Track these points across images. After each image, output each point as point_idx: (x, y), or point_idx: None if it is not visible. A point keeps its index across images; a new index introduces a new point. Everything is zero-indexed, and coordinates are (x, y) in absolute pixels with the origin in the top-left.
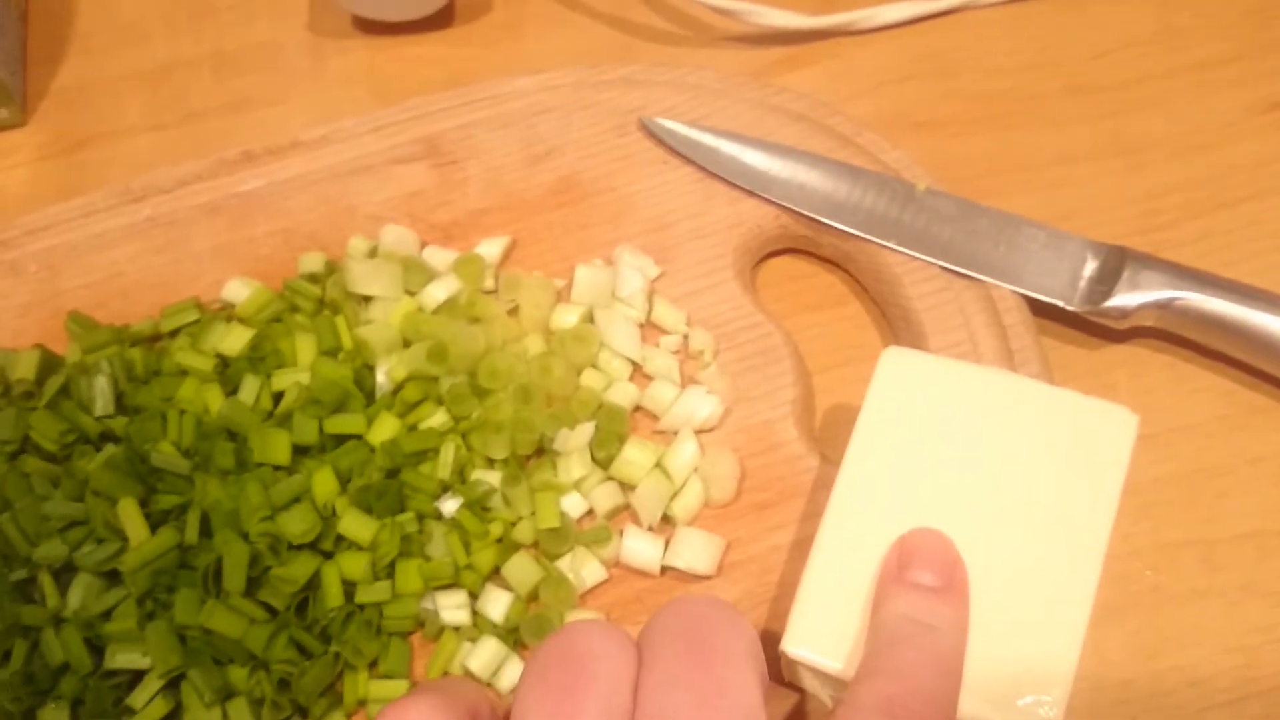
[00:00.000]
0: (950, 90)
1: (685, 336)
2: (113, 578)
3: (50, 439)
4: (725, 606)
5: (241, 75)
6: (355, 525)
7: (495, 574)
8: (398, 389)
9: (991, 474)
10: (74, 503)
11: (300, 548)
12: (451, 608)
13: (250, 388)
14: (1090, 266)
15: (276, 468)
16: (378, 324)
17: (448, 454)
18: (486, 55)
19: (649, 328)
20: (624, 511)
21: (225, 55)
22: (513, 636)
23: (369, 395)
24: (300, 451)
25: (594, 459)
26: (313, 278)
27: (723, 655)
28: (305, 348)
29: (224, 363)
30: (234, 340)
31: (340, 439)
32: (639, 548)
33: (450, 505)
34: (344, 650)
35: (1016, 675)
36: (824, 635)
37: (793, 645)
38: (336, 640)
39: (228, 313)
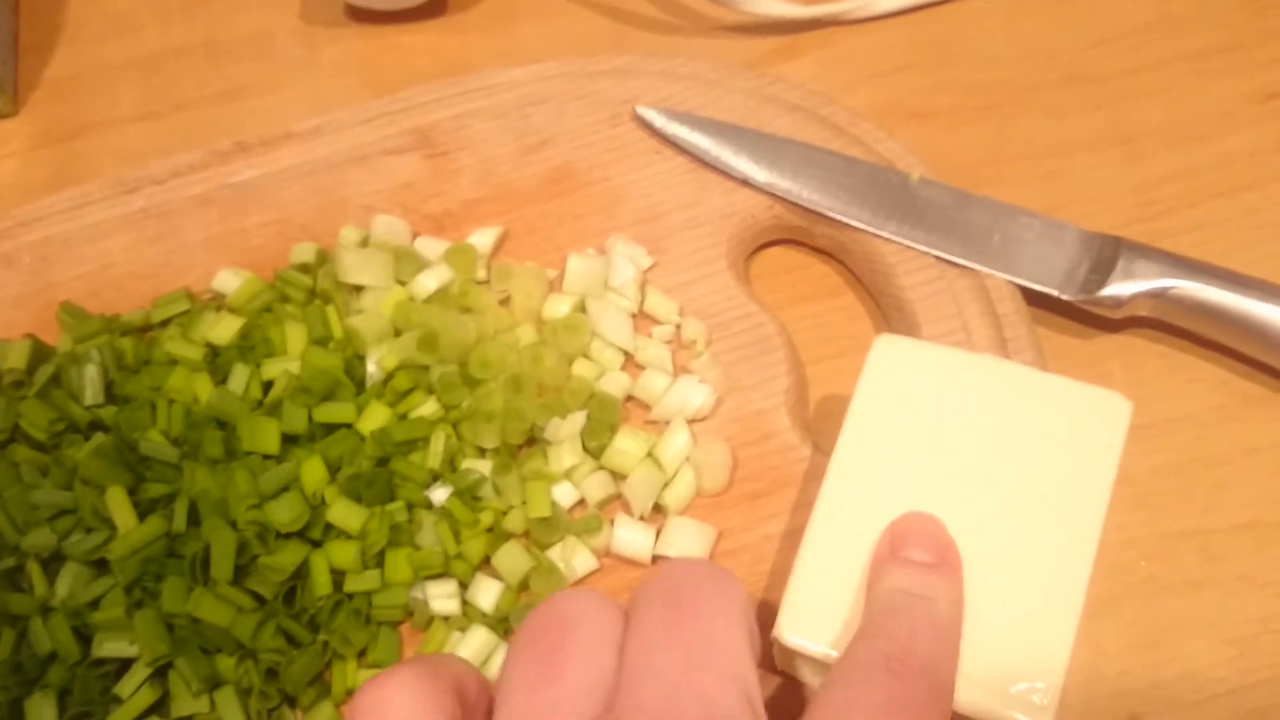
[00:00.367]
0: (945, 80)
1: (678, 326)
2: (101, 566)
3: (40, 428)
4: (712, 567)
5: (234, 64)
6: (344, 514)
7: (485, 563)
8: (388, 378)
9: (984, 461)
10: (63, 491)
11: (289, 536)
12: (441, 597)
13: (240, 377)
14: (1085, 255)
15: (265, 456)
16: (368, 313)
17: (438, 443)
18: (479, 44)
19: (641, 318)
20: (615, 501)
21: (217, 44)
22: (503, 626)
23: (359, 384)
24: (290, 440)
25: (585, 448)
26: (304, 268)
27: (707, 614)
28: (295, 337)
29: (214, 352)
30: (224, 329)
31: (330, 428)
32: (630, 537)
33: (440, 494)
34: (332, 639)
35: (1010, 662)
36: (817, 621)
37: (785, 632)
38: (325, 629)
39: (218, 302)
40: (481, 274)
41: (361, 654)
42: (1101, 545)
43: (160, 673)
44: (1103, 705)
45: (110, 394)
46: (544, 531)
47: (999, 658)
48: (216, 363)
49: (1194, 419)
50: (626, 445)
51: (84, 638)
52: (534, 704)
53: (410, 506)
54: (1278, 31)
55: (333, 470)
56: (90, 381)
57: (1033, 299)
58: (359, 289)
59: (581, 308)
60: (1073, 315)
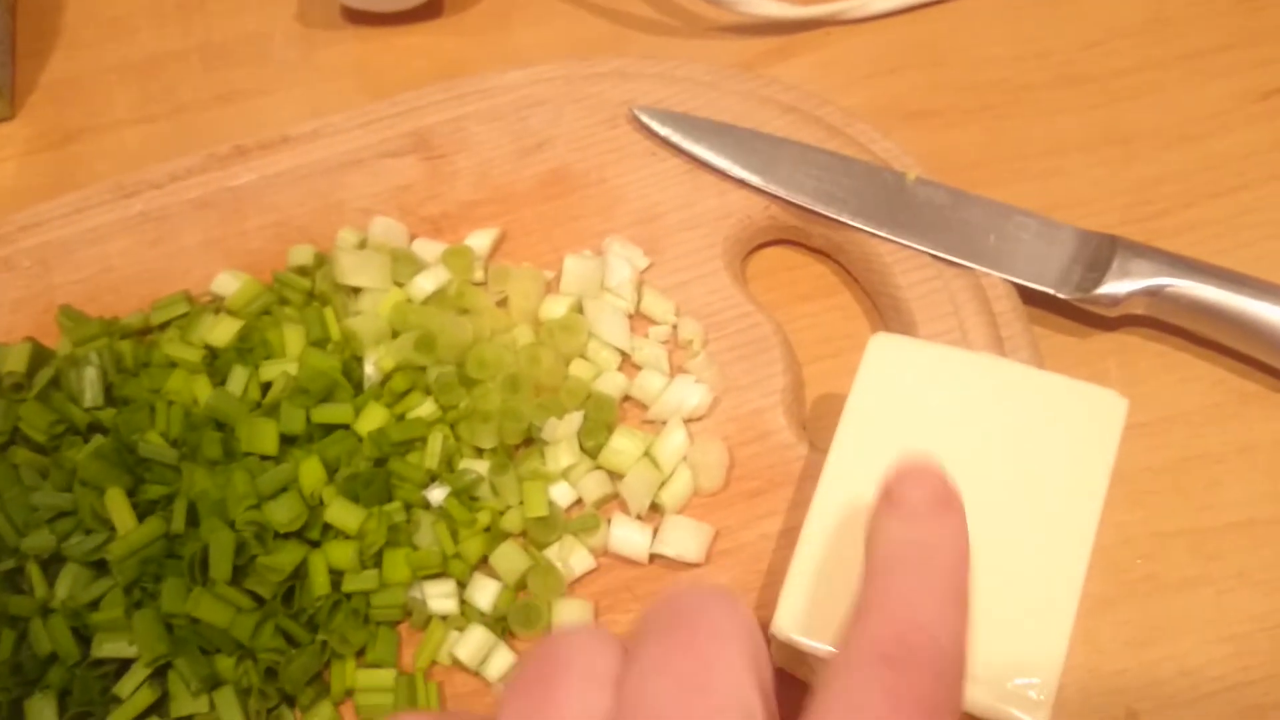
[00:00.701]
0: (941, 80)
1: (674, 326)
2: (100, 567)
3: (39, 430)
4: (712, 590)
5: (230, 67)
6: (342, 514)
7: (483, 563)
8: (386, 379)
9: (980, 459)
10: (62, 493)
11: (287, 536)
12: (439, 596)
13: (238, 378)
14: (1081, 254)
15: (264, 457)
16: (366, 315)
17: (435, 443)
18: (476, 46)
19: (638, 318)
20: (612, 500)
21: (214, 47)
22: (501, 625)
23: (357, 385)
24: (288, 441)
25: (582, 448)
26: (302, 270)
27: (705, 636)
28: (293, 338)
29: (212, 354)
30: (222, 331)
31: (328, 429)
32: (627, 536)
33: (438, 494)
34: (331, 639)
35: (1007, 658)
36: (812, 617)
37: (782, 629)
38: (324, 629)
39: (217, 305)
40: (479, 275)
41: (360, 653)
42: (1098, 544)
43: (160, 673)
44: (1099, 703)
45: (109, 396)
46: (541, 531)
47: (996, 653)
48: (215, 365)
49: (1189, 417)
50: (623, 445)
51: (83, 638)
52: None
53: (408, 506)
54: (1272, 31)
55: (331, 471)
56: (89, 384)
57: (1029, 298)
58: (357, 291)
59: (578, 308)
60: (1069, 314)
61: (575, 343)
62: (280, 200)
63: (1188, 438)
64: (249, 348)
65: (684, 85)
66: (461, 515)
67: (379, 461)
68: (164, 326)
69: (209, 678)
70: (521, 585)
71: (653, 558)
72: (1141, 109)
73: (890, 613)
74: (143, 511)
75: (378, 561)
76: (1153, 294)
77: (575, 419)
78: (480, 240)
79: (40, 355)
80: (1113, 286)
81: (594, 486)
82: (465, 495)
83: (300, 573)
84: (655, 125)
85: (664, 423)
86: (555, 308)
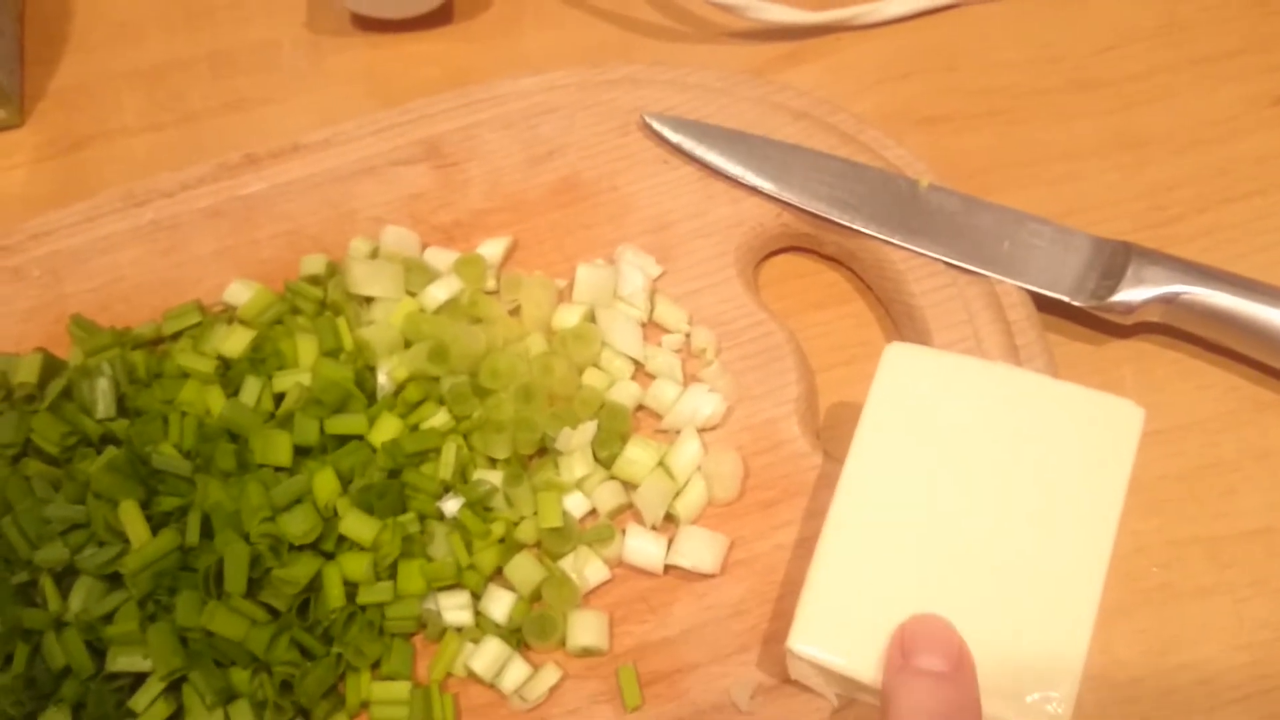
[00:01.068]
0: (953, 86)
1: (687, 335)
2: (114, 580)
3: (52, 442)
4: None
5: (239, 75)
6: (357, 526)
7: (498, 574)
8: (399, 389)
9: (997, 469)
10: (75, 505)
11: (301, 548)
12: (454, 608)
13: (251, 389)
14: (1095, 261)
15: (278, 469)
16: (379, 325)
17: (449, 454)
18: (485, 52)
19: (651, 327)
20: (627, 510)
21: (222, 54)
22: (515, 637)
23: (370, 396)
24: (301, 452)
25: (596, 458)
26: (314, 279)
27: None
28: (306, 349)
29: (225, 364)
30: (235, 342)
31: (341, 439)
32: (642, 546)
33: (452, 505)
34: (346, 651)
35: (1025, 671)
36: (830, 632)
37: (799, 642)
38: (339, 641)
39: (229, 315)
40: (491, 284)
41: (375, 665)
42: (1114, 552)
43: (174, 686)
44: (1116, 712)
45: (122, 407)
46: (556, 542)
47: (1014, 666)
48: (228, 375)
49: (1205, 425)
50: (637, 455)
51: (98, 652)
52: None
53: (422, 518)
54: None
55: (345, 482)
56: (102, 395)
57: (1043, 305)
58: (369, 300)
59: (591, 317)
60: (1084, 321)
61: (588, 352)
62: (292, 209)
63: (1203, 445)
64: (262, 358)
65: (695, 92)
66: (476, 526)
67: (393, 472)
68: (176, 336)
69: (224, 691)
70: (536, 596)
71: (668, 568)
72: (1154, 114)
73: None
74: (156, 524)
75: (392, 573)
76: (1168, 301)
77: (589, 429)
78: (492, 249)
79: (52, 366)
80: (1128, 294)
81: (608, 497)
82: (479, 506)
83: (315, 585)
84: (667, 132)
85: (678, 432)
86: (568, 317)
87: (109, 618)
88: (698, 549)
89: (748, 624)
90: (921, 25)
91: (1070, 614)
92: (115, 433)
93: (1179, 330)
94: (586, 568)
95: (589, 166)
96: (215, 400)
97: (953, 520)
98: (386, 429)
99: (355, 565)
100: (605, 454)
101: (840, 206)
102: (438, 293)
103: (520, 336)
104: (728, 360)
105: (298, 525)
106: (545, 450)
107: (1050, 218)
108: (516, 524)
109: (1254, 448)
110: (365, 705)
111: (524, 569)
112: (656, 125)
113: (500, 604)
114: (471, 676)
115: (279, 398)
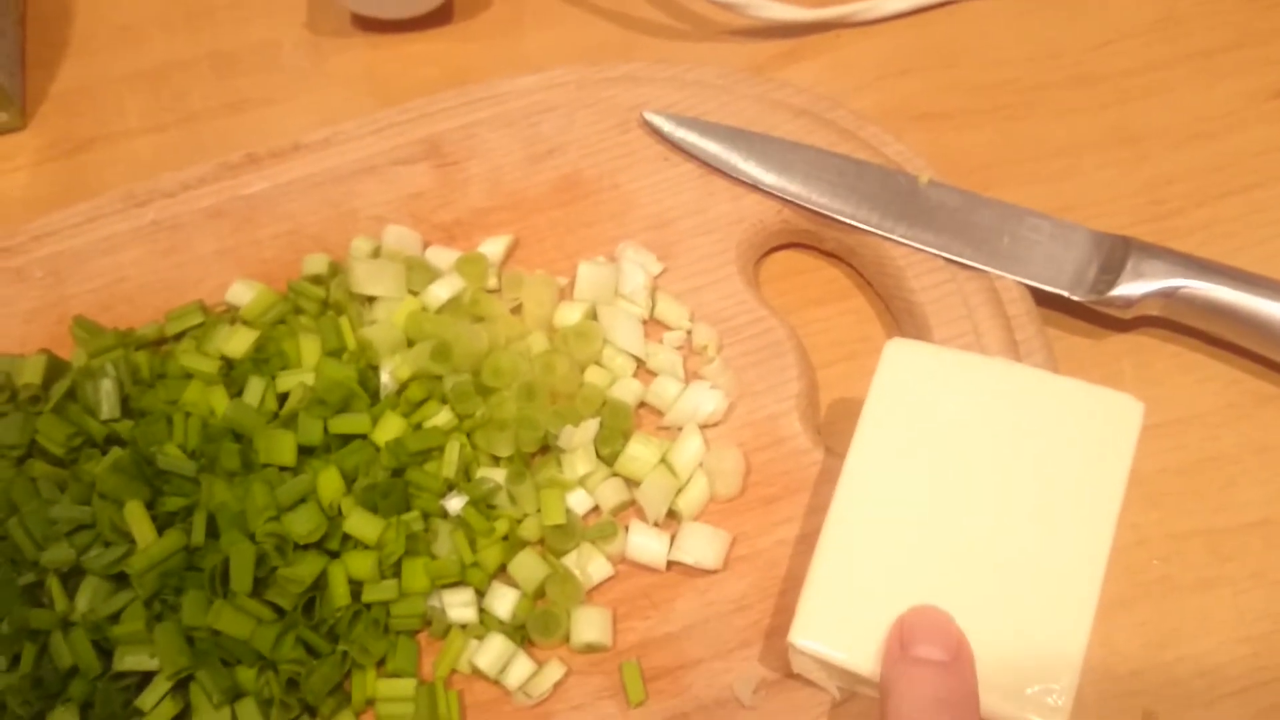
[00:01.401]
0: (952, 82)
1: (688, 332)
2: (120, 580)
3: (56, 443)
4: None
5: (240, 75)
6: (361, 524)
7: (502, 571)
8: (402, 388)
9: (997, 464)
10: (81, 506)
11: (307, 548)
12: (458, 605)
13: (255, 389)
14: (1095, 256)
15: (282, 468)
16: (381, 324)
17: (452, 452)
18: (486, 52)
19: (652, 324)
20: (629, 507)
21: (223, 55)
22: (520, 634)
23: (373, 395)
24: (305, 452)
25: (599, 455)
26: (316, 279)
27: None
28: (309, 349)
29: (228, 365)
30: (238, 342)
31: (345, 439)
32: (645, 543)
33: (456, 503)
34: (352, 649)
35: (1025, 664)
36: (831, 626)
37: (800, 636)
38: (344, 639)
39: (232, 315)
40: (493, 283)
41: (381, 663)
42: (1114, 545)
43: (181, 685)
44: (1117, 704)
45: (126, 408)
46: (559, 539)
47: (1014, 659)
48: (231, 375)
49: (1205, 418)
50: (639, 452)
51: (105, 651)
52: None
53: (426, 516)
54: None
55: (349, 481)
56: (106, 396)
57: (1043, 300)
58: (372, 300)
59: (593, 315)
60: (1083, 316)
61: (590, 349)
62: (293, 208)
63: (1203, 439)
64: (265, 358)
65: (695, 89)
66: (479, 524)
67: (397, 471)
68: (179, 337)
69: (231, 689)
70: (540, 593)
71: (670, 564)
72: (1153, 108)
73: None
74: (162, 524)
75: (397, 571)
76: (1167, 295)
77: (591, 426)
78: (493, 247)
79: (56, 367)
80: (1127, 288)
81: (611, 494)
82: (483, 504)
83: (320, 584)
84: (667, 130)
85: (680, 429)
86: (569, 314)
87: (116, 617)
88: (700, 545)
89: (750, 619)
90: (920, 22)
91: (1071, 607)
92: (120, 433)
93: (1178, 324)
94: (590, 564)
95: (589, 164)
96: (219, 400)
97: (953, 515)
98: (390, 428)
99: (360, 564)
100: (607, 451)
101: (840, 203)
102: (440, 292)
103: (522, 335)
104: (729, 357)
105: (302, 524)
106: (548, 448)
107: (1049, 213)
108: (520, 521)
109: (1254, 441)
110: (371, 702)
111: (527, 566)
112: (657, 122)
113: (504, 601)
114: (476, 673)
115: (282, 398)
